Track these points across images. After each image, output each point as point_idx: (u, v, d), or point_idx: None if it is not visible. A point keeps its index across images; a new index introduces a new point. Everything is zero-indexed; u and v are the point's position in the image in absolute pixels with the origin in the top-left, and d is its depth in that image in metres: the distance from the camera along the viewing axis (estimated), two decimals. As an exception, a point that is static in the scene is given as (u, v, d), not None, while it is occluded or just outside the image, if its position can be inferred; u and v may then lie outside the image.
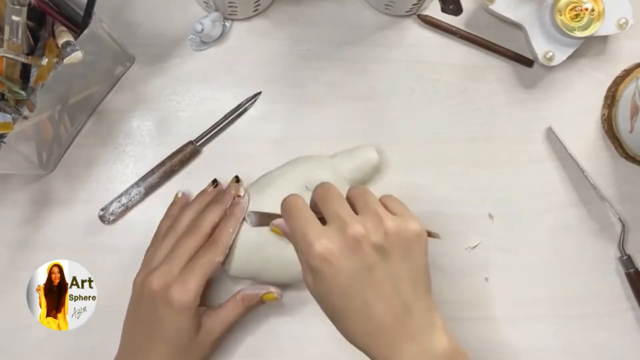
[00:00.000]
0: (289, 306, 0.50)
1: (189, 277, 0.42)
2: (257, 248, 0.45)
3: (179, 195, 0.50)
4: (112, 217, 0.50)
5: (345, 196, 0.38)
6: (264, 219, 0.42)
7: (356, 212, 0.37)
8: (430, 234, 0.39)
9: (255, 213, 0.43)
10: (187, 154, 0.51)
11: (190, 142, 0.51)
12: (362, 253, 0.35)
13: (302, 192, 0.39)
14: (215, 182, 0.49)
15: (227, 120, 0.52)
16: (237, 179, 0.49)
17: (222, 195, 0.47)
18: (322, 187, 0.38)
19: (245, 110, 0.53)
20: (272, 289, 0.46)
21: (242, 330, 0.50)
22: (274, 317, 0.50)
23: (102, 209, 0.50)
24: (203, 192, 0.49)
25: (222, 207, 0.46)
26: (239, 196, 0.46)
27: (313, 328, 0.50)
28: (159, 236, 0.47)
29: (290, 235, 0.37)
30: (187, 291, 0.41)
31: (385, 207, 0.38)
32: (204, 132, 0.52)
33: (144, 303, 0.43)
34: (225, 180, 0.49)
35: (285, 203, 0.38)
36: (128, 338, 0.44)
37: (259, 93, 0.53)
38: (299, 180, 0.46)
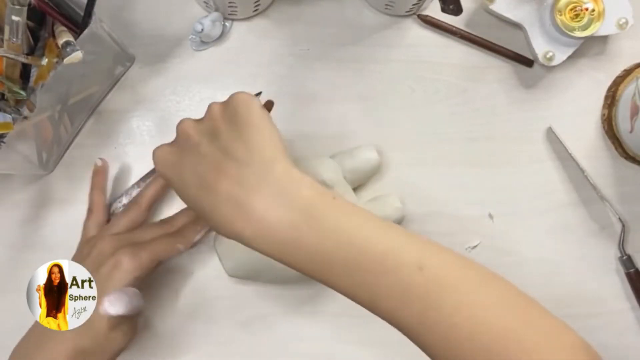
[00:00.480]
0: (289, 306, 0.50)
1: (143, 250, 0.43)
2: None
3: (99, 164, 0.50)
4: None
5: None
6: None
7: None
8: (266, 103, 0.40)
9: None
10: (187, 154, 0.51)
11: (190, 142, 0.51)
12: (189, 141, 0.36)
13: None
14: None
15: (227, 120, 0.52)
16: None
17: None
18: None
19: (245, 110, 0.53)
20: None
21: (242, 330, 0.50)
22: (274, 317, 0.50)
23: (102, 209, 0.50)
24: None
25: None
26: None
27: (313, 328, 0.50)
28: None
29: None
30: (138, 259, 0.42)
31: None
32: (204, 132, 0.52)
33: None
34: None
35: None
36: None
37: (259, 93, 0.53)
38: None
